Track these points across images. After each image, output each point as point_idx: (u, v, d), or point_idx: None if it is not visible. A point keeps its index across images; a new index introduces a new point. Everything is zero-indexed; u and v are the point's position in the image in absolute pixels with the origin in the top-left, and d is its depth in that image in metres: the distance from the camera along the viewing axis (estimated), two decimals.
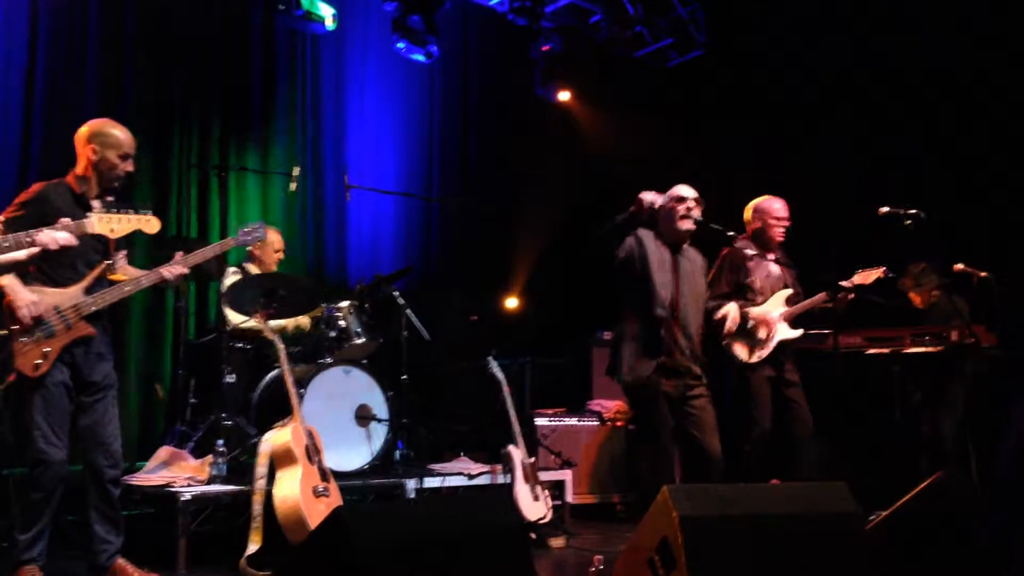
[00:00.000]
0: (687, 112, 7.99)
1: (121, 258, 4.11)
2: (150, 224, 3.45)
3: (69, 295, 3.78)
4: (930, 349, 5.42)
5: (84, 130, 3.96)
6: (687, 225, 4.63)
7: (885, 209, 5.19)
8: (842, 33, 7.02)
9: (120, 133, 3.97)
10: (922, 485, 3.46)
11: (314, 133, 7.56)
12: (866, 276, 5.28)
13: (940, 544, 3.24)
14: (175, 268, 3.98)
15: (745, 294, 5.31)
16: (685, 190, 4.67)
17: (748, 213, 5.41)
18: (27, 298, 3.63)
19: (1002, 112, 6.35)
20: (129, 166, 3.99)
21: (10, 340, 3.65)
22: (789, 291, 5.33)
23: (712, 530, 3.02)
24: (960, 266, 5.48)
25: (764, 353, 5.20)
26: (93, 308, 3.82)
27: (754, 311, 5.23)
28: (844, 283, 5.23)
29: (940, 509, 3.39)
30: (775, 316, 5.23)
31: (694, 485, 3.90)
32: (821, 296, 5.25)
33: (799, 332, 5.26)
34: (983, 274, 5.38)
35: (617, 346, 4.66)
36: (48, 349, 3.70)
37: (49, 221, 3.49)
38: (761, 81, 7.42)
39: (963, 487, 3.54)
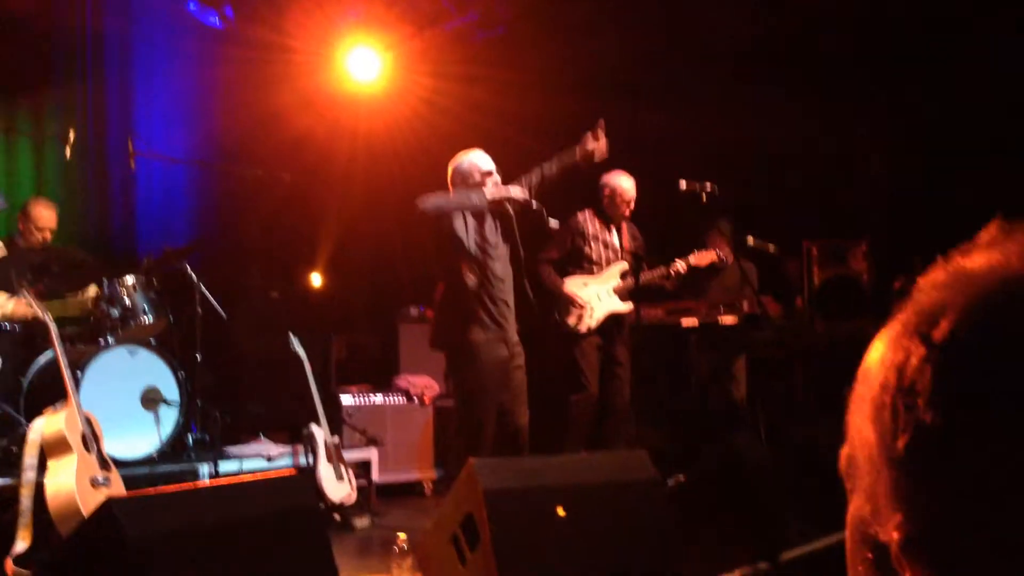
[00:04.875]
0: (495, 83, 7.94)
1: None
2: None
3: None
4: (724, 320, 5.66)
5: None
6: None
7: (684, 184, 5.34)
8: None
9: None
10: (713, 451, 3.58)
11: (96, 96, 6.96)
12: (700, 258, 5.43)
13: (733, 504, 3.36)
14: None
15: (582, 263, 5.35)
16: (489, 162, 4.50)
17: (601, 184, 5.43)
18: None
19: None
20: None
21: None
22: (624, 265, 5.39)
23: (516, 503, 2.99)
24: (751, 239, 5.74)
25: (591, 324, 5.25)
26: None
27: (569, 288, 5.25)
28: (681, 261, 5.35)
29: (732, 472, 3.52)
30: (595, 291, 5.26)
31: (499, 458, 3.87)
32: (657, 272, 5.35)
33: (629, 306, 5.29)
34: (771, 248, 5.65)
35: (444, 314, 4.48)
36: None
37: None
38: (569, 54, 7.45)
39: (752, 450, 3.69)
